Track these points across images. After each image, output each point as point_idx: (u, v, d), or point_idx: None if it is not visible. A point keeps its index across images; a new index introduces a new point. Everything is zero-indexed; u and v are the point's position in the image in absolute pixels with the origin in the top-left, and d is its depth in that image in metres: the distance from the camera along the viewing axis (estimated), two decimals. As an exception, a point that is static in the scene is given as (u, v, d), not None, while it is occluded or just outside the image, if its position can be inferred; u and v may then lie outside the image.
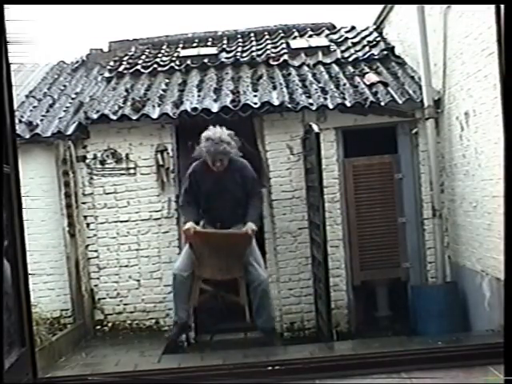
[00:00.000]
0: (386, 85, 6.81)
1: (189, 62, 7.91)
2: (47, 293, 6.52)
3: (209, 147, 5.37)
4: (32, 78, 8.54)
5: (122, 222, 6.64)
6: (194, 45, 8.89)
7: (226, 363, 4.46)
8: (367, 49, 7.90)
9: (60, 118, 6.96)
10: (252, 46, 8.44)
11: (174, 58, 8.17)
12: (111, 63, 8.22)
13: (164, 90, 7.23)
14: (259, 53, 8.07)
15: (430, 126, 6.40)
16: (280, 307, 6.54)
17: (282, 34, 8.89)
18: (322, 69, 7.47)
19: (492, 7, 3.04)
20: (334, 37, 8.71)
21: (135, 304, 6.64)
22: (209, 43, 8.89)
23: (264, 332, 5.61)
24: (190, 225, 5.47)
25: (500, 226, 3.26)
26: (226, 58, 8.02)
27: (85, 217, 6.66)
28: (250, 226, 5.46)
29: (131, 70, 7.82)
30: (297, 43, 8.36)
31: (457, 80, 5.91)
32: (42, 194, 6.51)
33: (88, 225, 6.67)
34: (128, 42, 9.10)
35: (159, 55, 8.39)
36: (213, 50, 8.42)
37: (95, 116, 6.61)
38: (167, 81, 7.57)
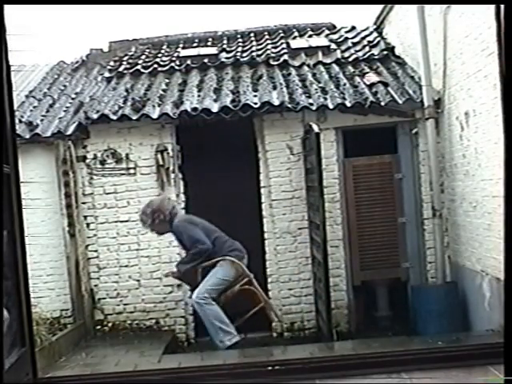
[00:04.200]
0: (386, 85, 6.80)
1: (189, 61, 7.90)
2: (47, 293, 6.52)
3: None
4: (32, 78, 8.53)
5: (121, 222, 6.64)
6: (194, 45, 8.89)
7: (225, 363, 4.47)
8: (367, 49, 7.90)
9: (60, 117, 6.96)
10: (252, 46, 8.44)
11: (174, 58, 8.16)
12: (111, 63, 8.22)
13: (164, 90, 7.23)
14: (259, 53, 8.07)
15: (430, 126, 6.39)
16: (280, 307, 6.54)
17: (282, 34, 8.89)
18: (322, 69, 7.47)
19: (492, 7, 3.05)
20: (334, 37, 8.70)
21: (135, 304, 6.64)
22: (209, 43, 8.88)
23: None
24: None
25: (500, 225, 3.25)
26: (226, 57, 8.01)
27: (85, 217, 6.66)
28: None
29: (131, 70, 7.81)
30: (297, 43, 8.36)
31: (457, 80, 5.91)
32: (42, 193, 6.51)
33: (88, 225, 6.67)
34: (128, 42, 9.10)
35: (159, 55, 8.38)
36: (213, 50, 8.42)
37: (95, 116, 6.61)
38: (167, 81, 7.57)
